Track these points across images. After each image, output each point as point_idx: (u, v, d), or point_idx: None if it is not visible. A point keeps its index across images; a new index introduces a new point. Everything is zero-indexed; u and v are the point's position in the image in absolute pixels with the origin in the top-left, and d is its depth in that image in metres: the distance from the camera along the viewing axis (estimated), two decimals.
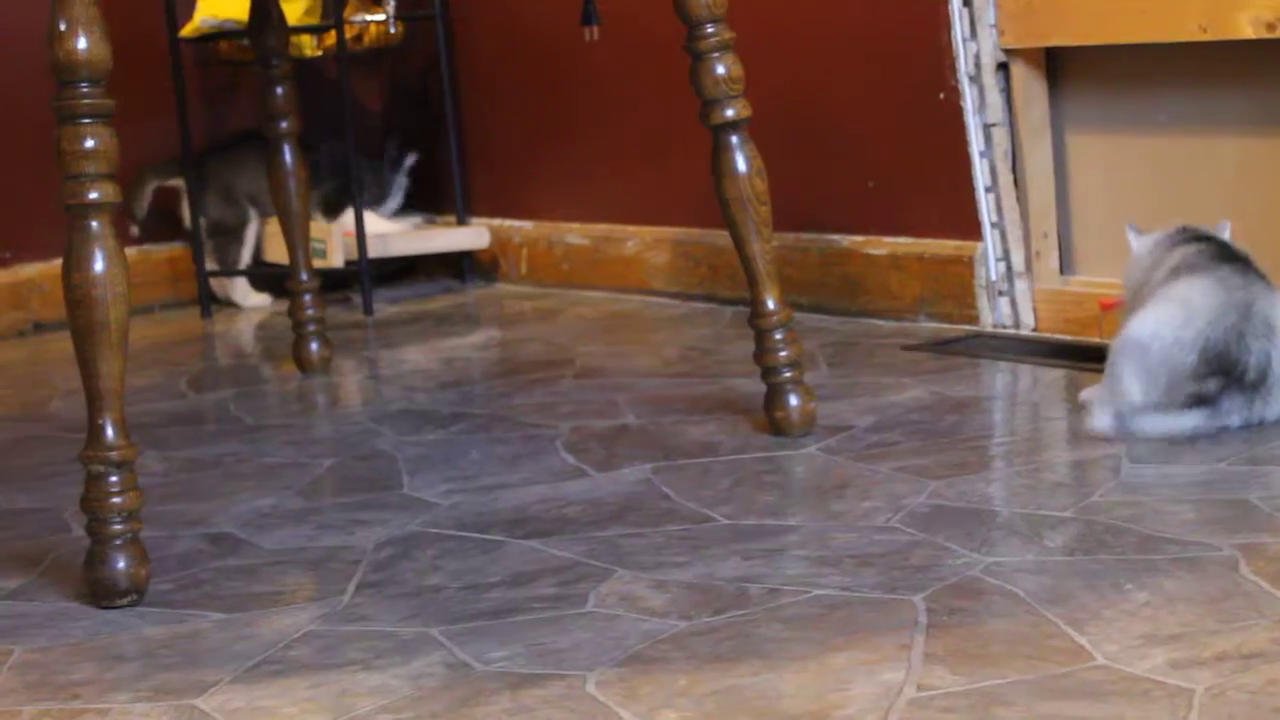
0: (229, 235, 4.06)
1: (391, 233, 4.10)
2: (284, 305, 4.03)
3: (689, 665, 1.72)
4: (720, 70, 2.48)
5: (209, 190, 4.06)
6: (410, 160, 4.22)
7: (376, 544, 2.21)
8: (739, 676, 1.68)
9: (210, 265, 4.07)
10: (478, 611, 1.93)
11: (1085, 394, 2.53)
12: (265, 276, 4.15)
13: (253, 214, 4.09)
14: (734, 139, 2.51)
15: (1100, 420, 2.39)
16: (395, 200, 4.22)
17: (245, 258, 4.08)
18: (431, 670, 1.77)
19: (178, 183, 4.06)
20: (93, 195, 2.03)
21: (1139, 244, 2.58)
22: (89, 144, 2.03)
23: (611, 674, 1.71)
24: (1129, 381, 2.39)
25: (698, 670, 1.70)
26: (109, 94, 2.04)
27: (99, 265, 2.03)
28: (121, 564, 2.04)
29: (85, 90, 2.02)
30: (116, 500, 2.04)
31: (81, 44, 2.01)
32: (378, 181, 4.17)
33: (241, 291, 4.12)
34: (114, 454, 2.04)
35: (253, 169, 4.03)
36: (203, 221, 4.05)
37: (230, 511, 2.41)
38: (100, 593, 2.05)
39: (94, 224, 2.04)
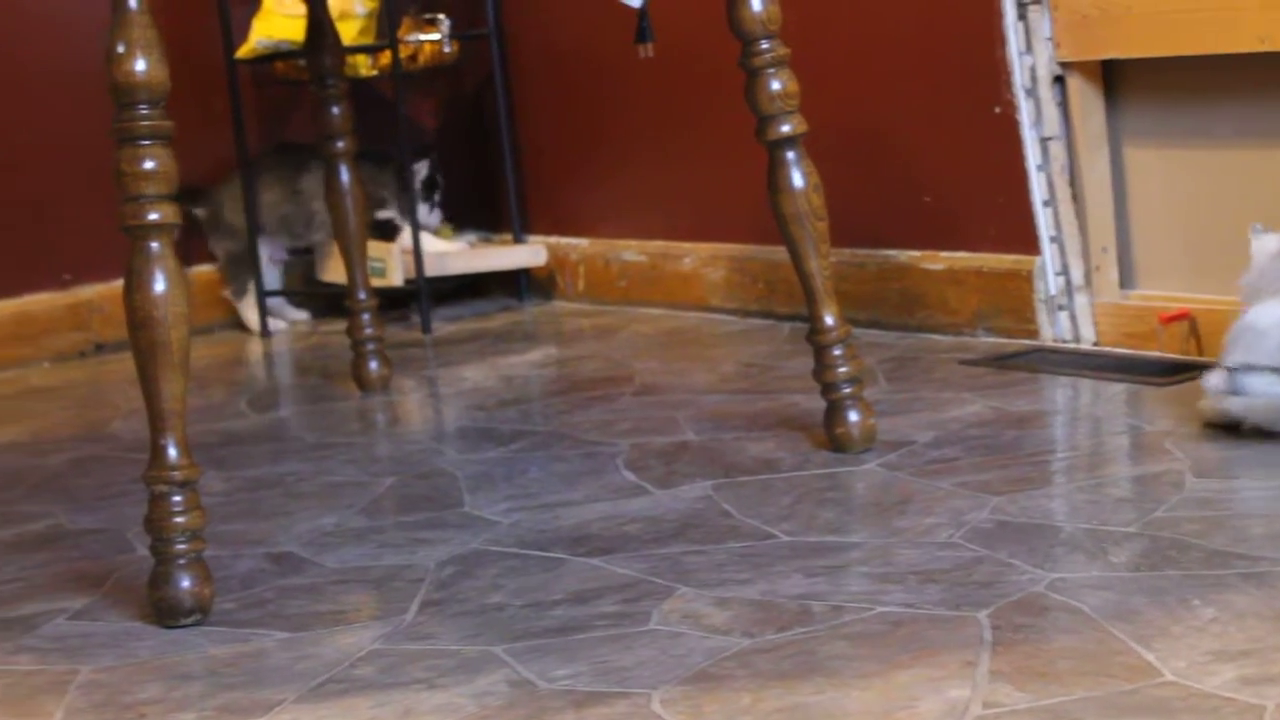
0: (239, 263, 4.08)
1: (449, 251, 4.11)
2: (310, 326, 4.05)
3: (753, 683, 1.71)
4: (775, 86, 2.48)
5: (220, 224, 4.08)
6: (422, 171, 4.15)
7: (438, 562, 2.21)
8: (804, 694, 1.68)
9: (226, 291, 4.10)
10: (541, 629, 1.93)
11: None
12: (317, 297, 4.17)
13: (260, 245, 4.09)
14: (790, 154, 2.50)
15: (1211, 379, 2.39)
16: (427, 217, 4.17)
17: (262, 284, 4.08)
18: (495, 689, 1.77)
19: (200, 212, 4.08)
20: (153, 216, 2.04)
21: (1260, 244, 2.56)
22: (148, 165, 2.04)
23: (676, 692, 1.71)
24: (1239, 358, 2.38)
25: (762, 688, 1.70)
26: (167, 115, 2.05)
27: (160, 286, 2.04)
28: (185, 583, 2.05)
29: (144, 112, 2.04)
30: (180, 520, 2.05)
31: (140, 66, 2.03)
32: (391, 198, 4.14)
33: (251, 316, 4.11)
34: (177, 474, 2.05)
35: (262, 195, 4.05)
36: (220, 250, 4.09)
37: (292, 531, 2.42)
38: (165, 612, 2.06)
39: (154, 245, 2.05)
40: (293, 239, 4.12)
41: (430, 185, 4.15)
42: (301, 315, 4.16)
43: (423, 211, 4.10)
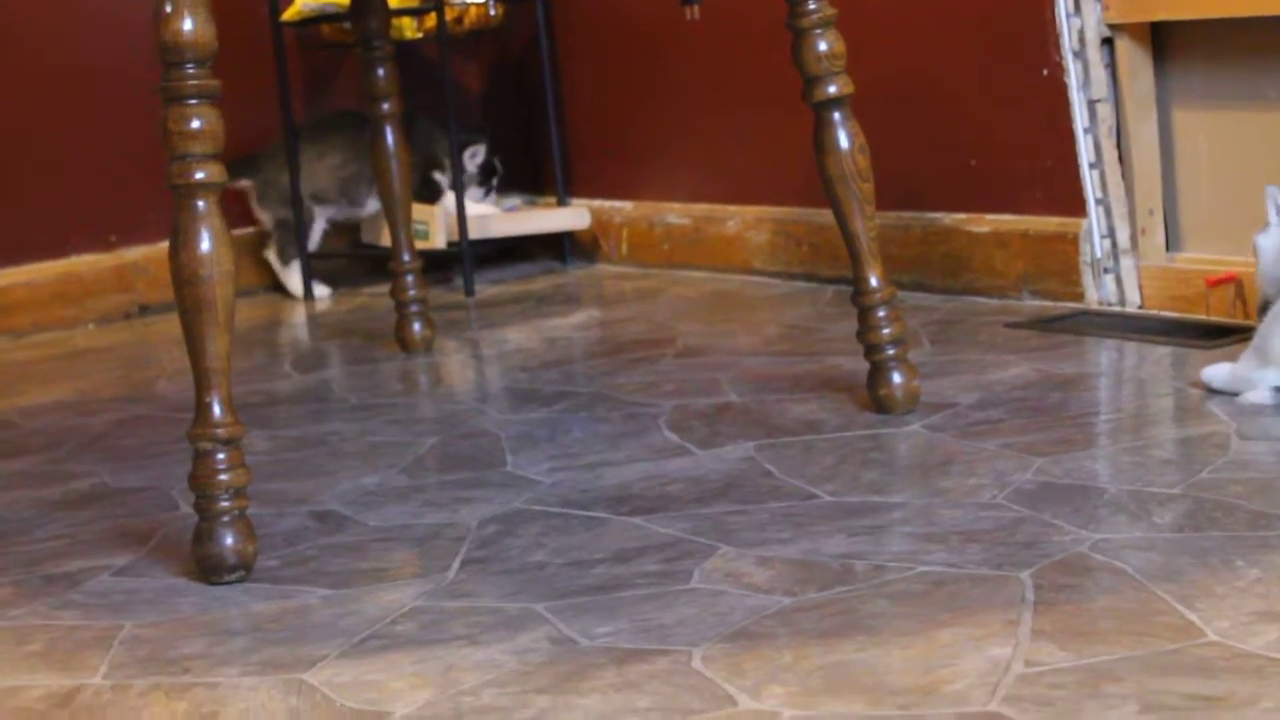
0: (287, 230, 4.08)
1: (492, 214, 4.11)
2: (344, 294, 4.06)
3: (794, 641, 1.71)
4: (822, 47, 2.47)
5: (272, 190, 4.08)
6: (479, 155, 4.15)
7: (480, 521, 2.21)
8: (845, 652, 1.67)
9: (272, 255, 4.10)
10: (582, 587, 1.93)
11: (1211, 372, 2.49)
12: (360, 261, 4.17)
13: (315, 209, 4.09)
14: (836, 115, 2.50)
15: (1260, 395, 2.38)
16: (477, 195, 4.17)
17: (307, 247, 4.08)
18: (537, 645, 1.77)
19: (245, 184, 4.08)
20: (199, 175, 2.05)
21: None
22: (195, 125, 2.04)
23: (717, 649, 1.71)
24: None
25: (803, 646, 1.70)
26: (214, 75, 2.06)
27: (205, 245, 2.04)
28: (229, 540, 2.06)
29: (191, 71, 2.04)
30: (224, 477, 2.06)
31: (187, 25, 2.03)
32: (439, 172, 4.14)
33: (294, 282, 4.11)
34: (221, 431, 2.06)
35: (309, 165, 4.05)
36: (267, 216, 4.09)
37: (336, 489, 2.43)
38: (208, 569, 2.06)
39: (200, 204, 2.05)
40: (351, 204, 4.11)
41: (488, 171, 4.15)
42: (325, 291, 4.13)
43: (475, 196, 4.10)
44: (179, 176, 2.05)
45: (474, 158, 4.10)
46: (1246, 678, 1.52)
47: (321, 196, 4.09)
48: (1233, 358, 2.49)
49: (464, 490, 2.36)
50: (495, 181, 4.17)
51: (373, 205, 4.10)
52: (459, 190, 3.92)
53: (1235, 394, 2.43)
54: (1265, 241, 2.52)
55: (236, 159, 4.01)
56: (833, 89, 2.48)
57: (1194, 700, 1.49)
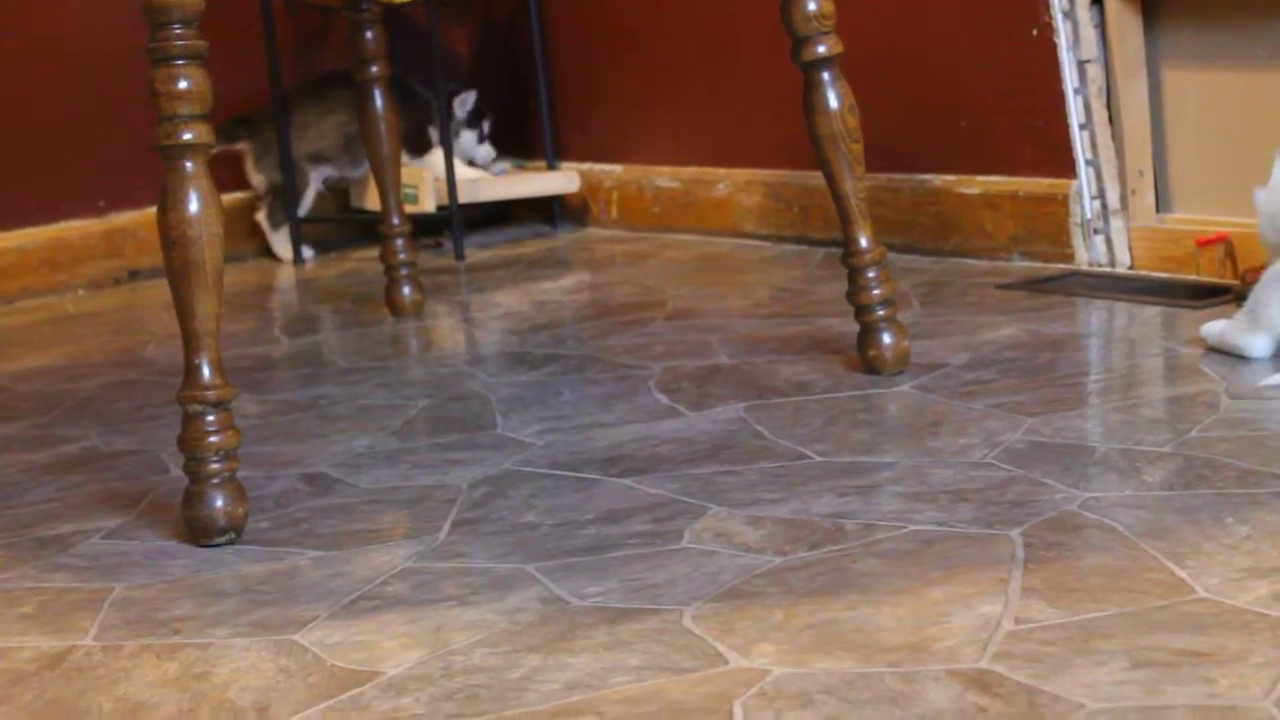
0: (279, 194, 4.06)
1: (482, 178, 4.10)
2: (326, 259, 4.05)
3: (785, 599, 1.72)
4: (811, 6, 2.46)
5: (269, 153, 4.06)
6: (469, 102, 4.13)
7: (471, 483, 2.21)
8: (836, 610, 1.68)
9: (263, 218, 4.08)
10: (573, 548, 1.93)
11: (1208, 328, 2.49)
12: (347, 225, 4.16)
13: (311, 171, 4.07)
14: (825, 75, 2.49)
15: (1259, 348, 2.38)
16: (476, 148, 4.16)
17: (299, 211, 4.06)
18: (527, 605, 1.77)
19: (242, 146, 4.06)
20: (187, 136, 2.04)
21: None
22: (182, 85, 2.04)
23: (708, 608, 1.71)
24: (1276, 311, 2.37)
25: (794, 604, 1.70)
26: (201, 35, 2.05)
27: (194, 206, 2.04)
28: (219, 502, 2.06)
29: (178, 32, 2.03)
30: (214, 439, 2.06)
31: None
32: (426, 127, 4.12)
33: (283, 246, 4.10)
34: (211, 393, 2.05)
35: (313, 123, 4.03)
36: (262, 179, 4.07)
37: (326, 452, 2.42)
38: (198, 531, 2.06)
39: (188, 165, 2.04)
40: (353, 163, 4.10)
41: (478, 116, 4.13)
42: (310, 254, 4.11)
43: (471, 140, 4.09)
44: (167, 137, 2.04)
45: (464, 105, 4.09)
46: (1235, 633, 1.53)
47: (323, 155, 4.07)
48: (1222, 319, 2.49)
49: (454, 452, 2.36)
50: (486, 126, 4.16)
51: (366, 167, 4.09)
52: (449, 156, 3.90)
53: (1224, 353, 2.43)
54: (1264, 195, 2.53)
55: (232, 119, 4.01)
56: (822, 49, 2.47)
57: (1183, 655, 1.49)
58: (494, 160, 4.23)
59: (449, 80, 4.03)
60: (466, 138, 4.11)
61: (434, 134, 4.07)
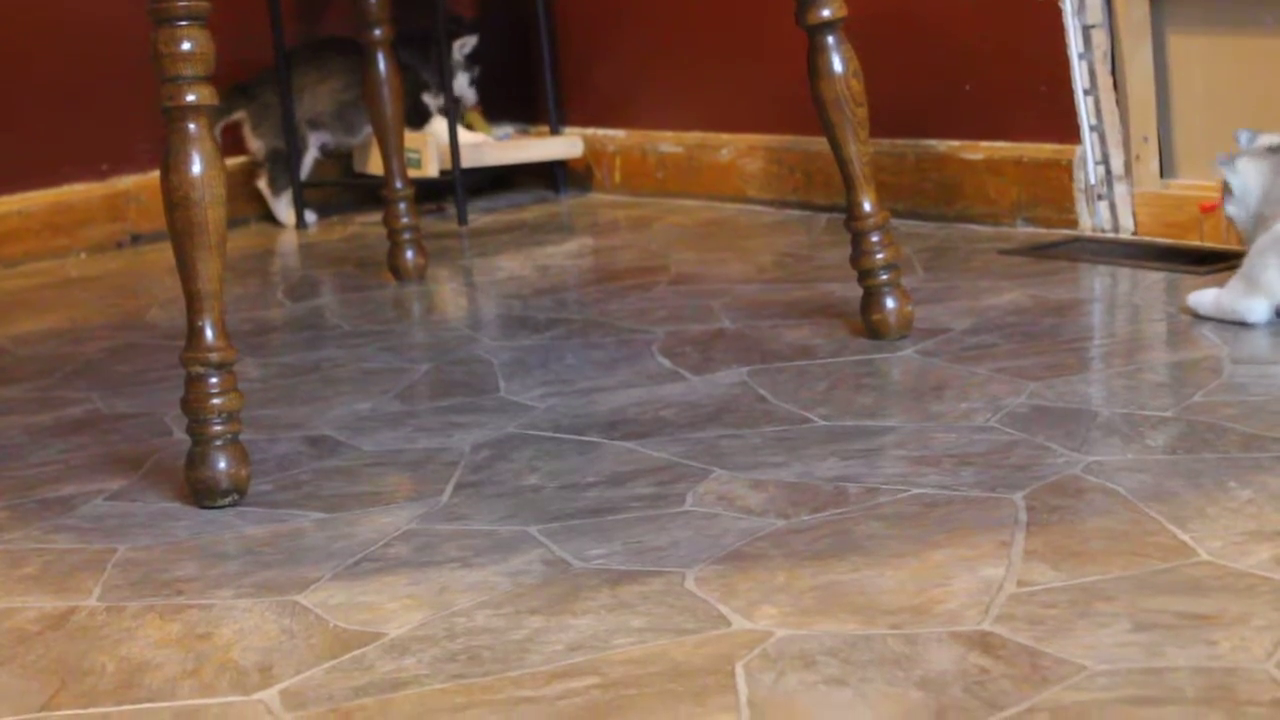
0: (279, 159, 4.05)
1: (485, 142, 4.09)
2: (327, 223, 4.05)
3: (788, 562, 1.72)
4: None
5: (267, 119, 4.05)
6: (469, 45, 4.12)
7: (474, 445, 2.21)
8: (838, 573, 1.68)
9: (263, 184, 4.07)
10: (575, 510, 1.93)
11: (1197, 297, 2.49)
12: (352, 190, 4.15)
13: (309, 135, 4.06)
14: (830, 39, 2.48)
15: (1257, 312, 2.38)
16: (465, 89, 4.13)
17: (299, 176, 4.05)
18: (530, 567, 1.77)
19: (240, 115, 4.05)
20: (190, 98, 2.03)
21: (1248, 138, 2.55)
22: (185, 46, 2.03)
23: (710, 571, 1.71)
24: (1273, 276, 2.37)
25: (796, 567, 1.70)
26: None
27: (197, 167, 2.03)
28: (222, 464, 2.06)
29: None
30: (217, 401, 2.06)
31: None
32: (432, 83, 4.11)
33: (285, 211, 4.08)
34: (214, 355, 2.05)
35: (310, 88, 4.02)
36: (261, 145, 4.06)
37: (329, 415, 2.42)
38: (202, 493, 2.06)
39: (191, 126, 2.04)
40: (346, 132, 4.09)
41: (473, 60, 4.12)
42: (313, 218, 4.10)
43: (464, 82, 4.07)
44: (170, 99, 2.04)
45: (463, 48, 4.08)
46: (1238, 596, 1.53)
47: (317, 121, 4.06)
48: (1223, 284, 2.49)
49: (457, 415, 2.36)
50: (476, 71, 4.13)
51: (366, 131, 4.08)
52: (452, 120, 3.89)
53: (1220, 320, 2.43)
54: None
55: (228, 88, 3.99)
56: (826, 12, 2.47)
57: (1185, 618, 1.49)
58: (475, 104, 4.21)
59: (450, 20, 4.01)
60: (460, 79, 4.09)
61: (429, 102, 4.06)
